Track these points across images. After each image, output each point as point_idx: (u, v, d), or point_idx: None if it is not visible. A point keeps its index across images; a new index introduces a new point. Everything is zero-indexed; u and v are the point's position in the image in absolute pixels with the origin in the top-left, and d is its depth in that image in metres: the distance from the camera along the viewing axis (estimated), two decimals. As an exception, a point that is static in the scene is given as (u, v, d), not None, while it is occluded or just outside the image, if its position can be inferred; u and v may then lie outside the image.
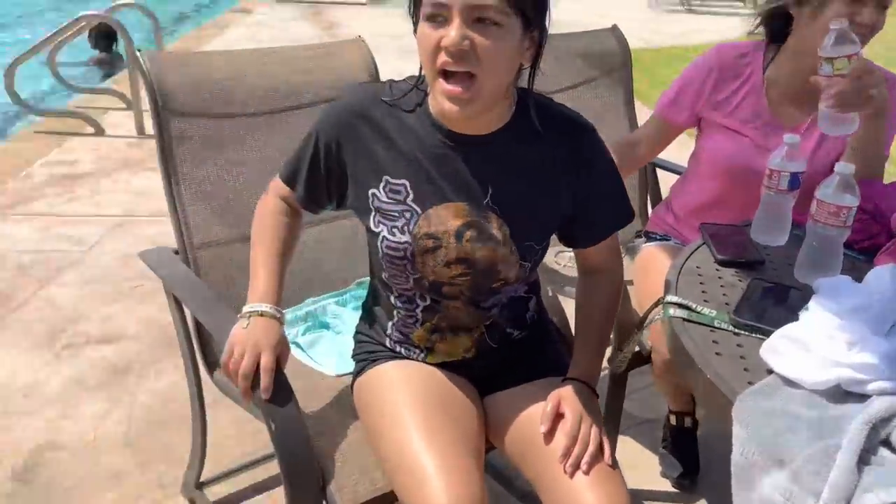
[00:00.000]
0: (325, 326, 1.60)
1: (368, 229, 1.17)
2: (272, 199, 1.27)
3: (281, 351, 1.14)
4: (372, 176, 1.14)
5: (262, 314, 1.16)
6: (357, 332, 1.35)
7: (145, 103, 4.42)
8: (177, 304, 1.44)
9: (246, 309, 1.17)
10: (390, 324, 1.25)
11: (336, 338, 1.57)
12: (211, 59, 1.56)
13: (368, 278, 1.73)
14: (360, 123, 1.14)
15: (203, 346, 1.47)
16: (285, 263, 1.25)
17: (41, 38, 4.34)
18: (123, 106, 4.73)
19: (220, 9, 10.63)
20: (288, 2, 11.07)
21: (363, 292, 1.72)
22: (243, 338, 1.13)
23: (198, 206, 1.48)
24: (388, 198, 1.13)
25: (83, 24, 4.42)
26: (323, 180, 1.19)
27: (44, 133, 4.28)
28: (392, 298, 1.23)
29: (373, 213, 1.15)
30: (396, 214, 1.13)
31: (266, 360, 1.11)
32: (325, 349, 1.53)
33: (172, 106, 1.44)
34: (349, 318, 1.61)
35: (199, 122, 1.47)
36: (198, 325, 1.47)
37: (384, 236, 1.13)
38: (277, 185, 1.26)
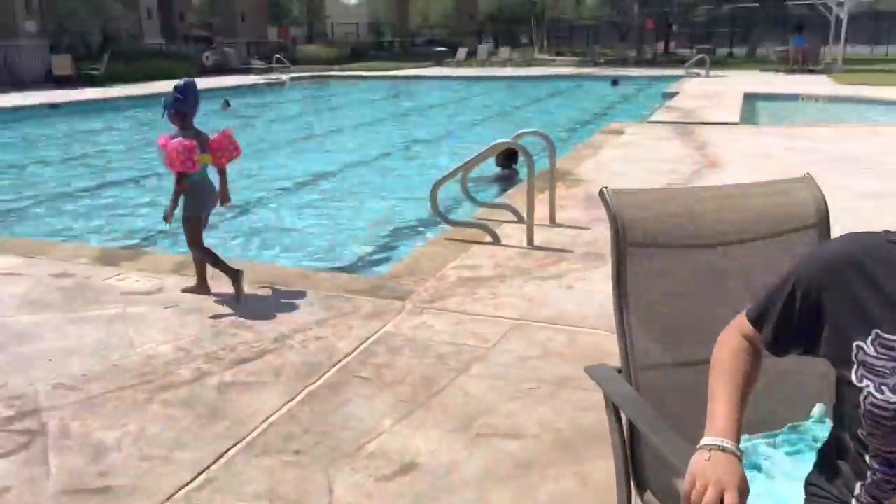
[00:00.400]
0: (757, 468, 1.55)
1: (846, 381, 1.13)
2: (735, 335, 1.31)
3: (742, 491, 1.15)
4: (858, 327, 1.11)
5: (723, 449, 1.18)
6: (810, 484, 1.28)
7: (537, 217, 4.92)
8: (616, 421, 1.54)
9: (707, 441, 1.20)
10: (859, 484, 1.17)
11: (768, 482, 1.51)
12: (665, 196, 1.70)
13: (802, 423, 1.68)
14: (849, 272, 1.13)
15: (635, 466, 1.54)
16: (746, 401, 1.26)
17: (461, 162, 5.15)
18: (515, 219, 5.30)
19: (591, 130, 11.44)
20: (657, 122, 11.42)
21: (797, 437, 1.65)
22: (706, 471, 1.15)
23: (644, 330, 1.59)
24: (878, 353, 1.09)
25: (496, 149, 5.13)
26: (794, 326, 1.20)
27: (453, 240, 5.00)
28: (867, 458, 1.15)
29: (855, 366, 1.11)
30: (888, 371, 1.07)
31: (731, 499, 1.12)
32: (757, 491, 1.48)
33: (631, 237, 1.59)
34: (781, 461, 1.54)
35: (652, 251, 1.60)
36: (632, 443, 1.55)
37: (869, 392, 1.09)
38: (742, 323, 1.30)
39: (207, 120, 15.55)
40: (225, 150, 3.89)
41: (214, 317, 3.63)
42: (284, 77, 25.37)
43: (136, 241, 6.09)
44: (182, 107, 3.74)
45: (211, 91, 20.13)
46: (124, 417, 2.67)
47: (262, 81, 23.95)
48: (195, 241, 3.86)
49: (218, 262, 3.89)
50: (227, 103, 16.95)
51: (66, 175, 9.42)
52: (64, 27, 21.58)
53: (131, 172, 9.61)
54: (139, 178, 9.16)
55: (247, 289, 3.96)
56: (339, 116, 16.68)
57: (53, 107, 15.77)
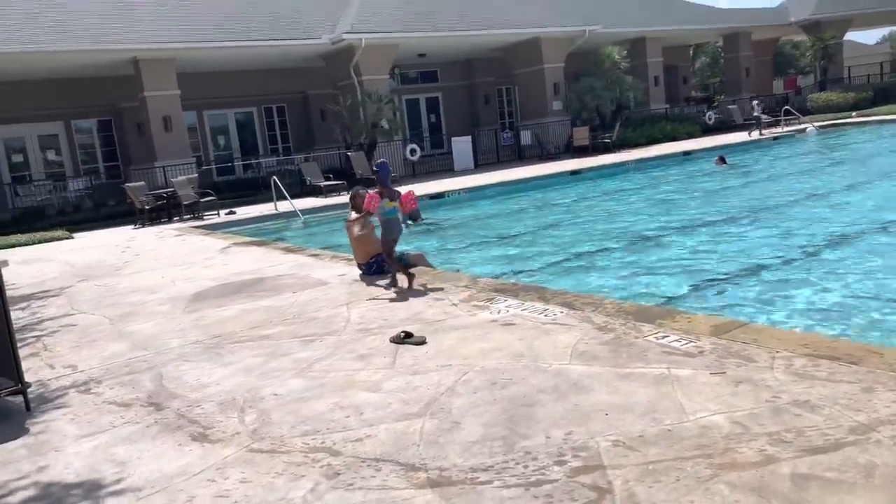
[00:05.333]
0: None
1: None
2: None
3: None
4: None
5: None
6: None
7: None
8: None
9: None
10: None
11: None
12: None
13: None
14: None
15: None
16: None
17: None
18: None
19: None
20: None
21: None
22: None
23: None
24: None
25: None
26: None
27: None
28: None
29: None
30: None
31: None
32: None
33: None
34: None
35: None
36: None
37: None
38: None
39: (702, 177, 15.40)
40: (406, 202, 6.21)
41: (772, 391, 3.22)
42: (809, 126, 23.67)
43: (664, 298, 6.15)
44: (378, 177, 6.17)
45: (707, 150, 19.88)
46: (689, 493, 2.46)
47: (767, 136, 22.72)
48: (389, 255, 6.25)
49: (396, 266, 6.26)
50: (723, 160, 16.52)
51: (582, 233, 10.23)
52: (583, 102, 24.16)
53: (645, 227, 9.91)
54: (655, 236, 9.37)
55: (801, 361, 3.47)
56: (858, 168, 14.59)
57: (574, 173, 17.62)
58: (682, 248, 8.42)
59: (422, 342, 4.55)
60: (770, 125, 25.42)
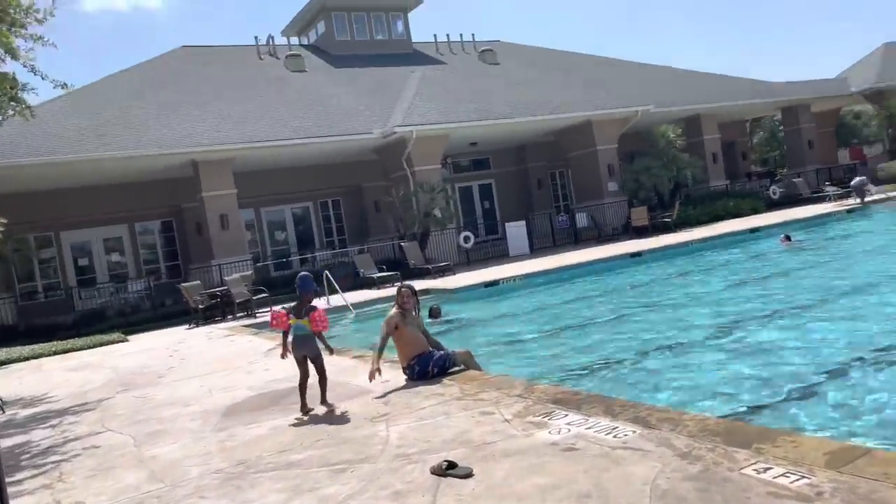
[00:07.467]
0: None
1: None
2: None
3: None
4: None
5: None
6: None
7: None
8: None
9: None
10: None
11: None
12: None
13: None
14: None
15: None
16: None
17: None
18: None
19: None
20: None
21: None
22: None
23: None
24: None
25: None
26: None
27: None
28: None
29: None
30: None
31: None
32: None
33: None
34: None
35: None
36: None
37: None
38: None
39: (768, 257, 14.34)
40: (315, 322, 5.82)
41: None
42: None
43: (744, 408, 5.28)
44: (299, 291, 5.94)
45: (776, 226, 18.76)
46: None
47: (839, 209, 21.49)
48: (301, 372, 5.91)
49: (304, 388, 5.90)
50: (788, 238, 15.49)
51: (645, 325, 9.40)
52: (640, 182, 23.54)
53: (711, 318, 9.02)
54: (726, 327, 8.48)
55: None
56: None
57: (635, 256, 16.83)
58: (761, 343, 7.52)
59: (467, 474, 3.85)
60: (841, 197, 24.19)
